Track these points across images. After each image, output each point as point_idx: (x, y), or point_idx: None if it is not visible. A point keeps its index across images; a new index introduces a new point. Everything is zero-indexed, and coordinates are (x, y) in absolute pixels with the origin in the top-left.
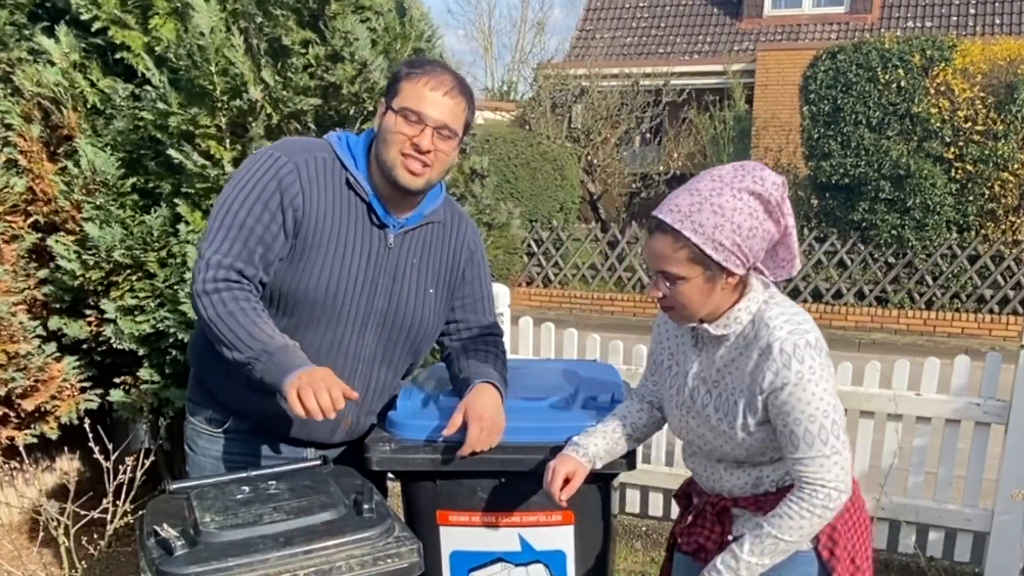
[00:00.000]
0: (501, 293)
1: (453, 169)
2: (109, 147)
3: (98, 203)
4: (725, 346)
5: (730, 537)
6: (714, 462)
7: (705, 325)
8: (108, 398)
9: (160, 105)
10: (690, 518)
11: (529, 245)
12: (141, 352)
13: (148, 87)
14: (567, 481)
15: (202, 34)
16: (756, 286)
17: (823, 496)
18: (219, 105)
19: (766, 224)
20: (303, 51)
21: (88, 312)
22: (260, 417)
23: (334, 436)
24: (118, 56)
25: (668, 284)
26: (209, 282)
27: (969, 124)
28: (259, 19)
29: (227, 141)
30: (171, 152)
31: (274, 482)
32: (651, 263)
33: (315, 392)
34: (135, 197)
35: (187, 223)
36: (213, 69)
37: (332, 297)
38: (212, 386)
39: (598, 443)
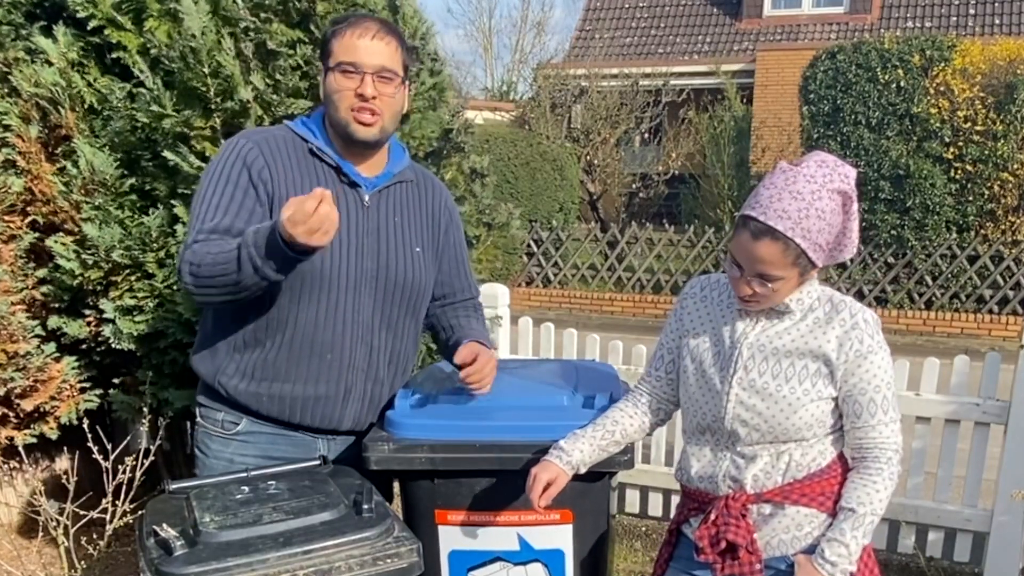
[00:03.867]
0: (501, 293)
1: (452, 168)
2: (107, 147)
3: (97, 203)
4: (790, 318)
5: (757, 535)
6: (741, 447)
7: (785, 300)
8: (108, 398)
9: (154, 107)
10: (712, 516)
11: (529, 245)
12: (140, 352)
13: (143, 89)
14: (549, 486)
15: (193, 36)
16: (815, 275)
17: (896, 460)
18: (213, 106)
19: (842, 217)
20: (291, 52)
21: (87, 312)
22: (274, 404)
23: (345, 416)
24: (115, 56)
25: (764, 285)
26: (181, 255)
27: (969, 124)
28: (244, 23)
29: (221, 142)
30: (167, 154)
31: (273, 482)
32: (750, 266)
33: (307, 219)
34: (133, 197)
35: (183, 224)
36: (206, 71)
37: (320, 263)
38: (223, 385)
39: (583, 449)
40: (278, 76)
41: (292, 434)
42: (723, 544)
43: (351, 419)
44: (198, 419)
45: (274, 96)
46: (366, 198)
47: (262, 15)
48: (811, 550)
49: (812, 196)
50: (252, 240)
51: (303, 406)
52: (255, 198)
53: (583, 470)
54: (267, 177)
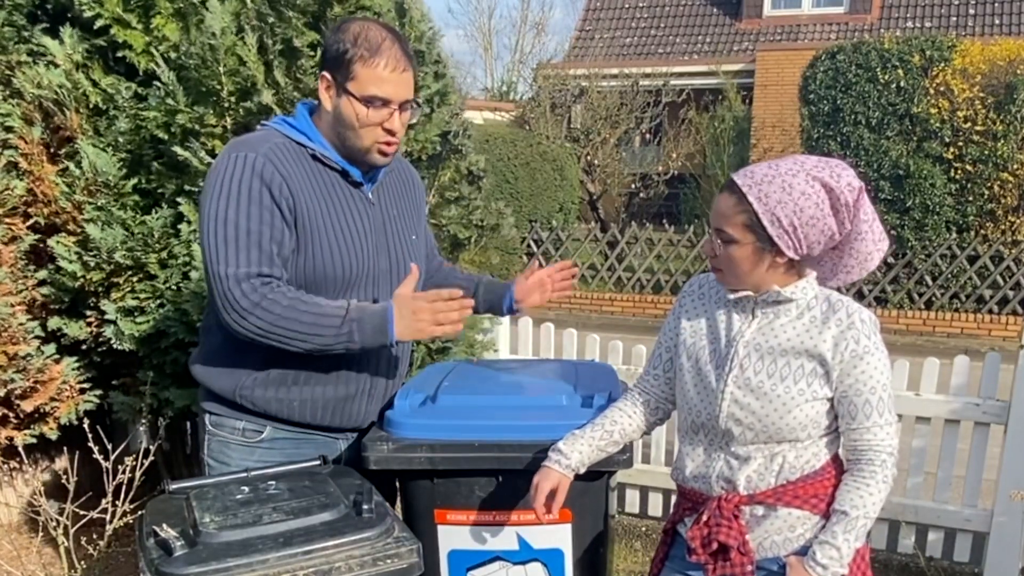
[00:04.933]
0: None
1: (450, 170)
2: (111, 148)
3: (99, 204)
4: (787, 316)
5: (749, 536)
6: (735, 447)
7: (776, 288)
8: (108, 399)
9: (169, 102)
10: (705, 517)
11: (528, 245)
12: (141, 353)
13: (157, 83)
14: (553, 494)
15: (214, 35)
16: (812, 275)
17: (891, 463)
18: (227, 106)
19: (829, 220)
20: (312, 53)
21: (88, 313)
22: (306, 409)
23: (369, 413)
24: (120, 55)
25: (721, 244)
26: (248, 295)
27: (968, 124)
28: (271, 19)
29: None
30: (177, 150)
31: (273, 482)
32: (712, 219)
33: (435, 317)
34: (136, 198)
35: (189, 223)
36: (222, 70)
37: (344, 270)
38: (245, 397)
39: (582, 450)
40: (299, 75)
41: (315, 437)
42: (715, 545)
43: (374, 416)
44: (209, 427)
45: (295, 94)
46: (369, 195)
47: (291, 13)
48: (803, 552)
49: (788, 173)
50: (357, 326)
51: (334, 407)
52: (281, 217)
53: (583, 470)
54: (287, 193)
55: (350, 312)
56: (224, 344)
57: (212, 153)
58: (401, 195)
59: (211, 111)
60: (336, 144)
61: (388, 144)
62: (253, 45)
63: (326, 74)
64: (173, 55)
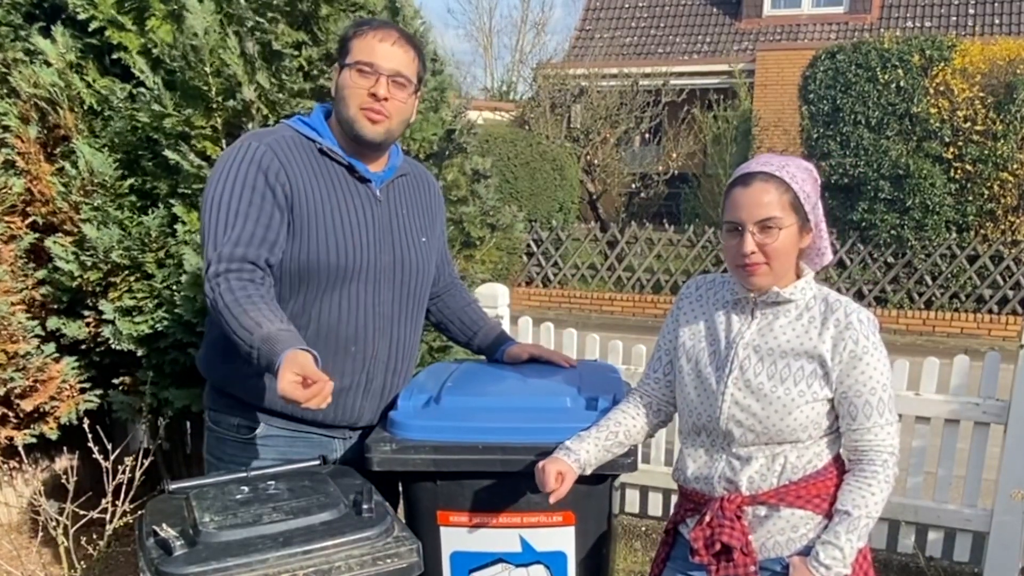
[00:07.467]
0: (501, 293)
1: (454, 169)
2: (107, 148)
3: (96, 204)
4: (786, 317)
5: (752, 537)
6: (736, 448)
7: (775, 288)
8: (108, 398)
9: (155, 107)
10: (707, 518)
11: (528, 245)
12: (140, 353)
13: (143, 89)
14: (559, 478)
15: (196, 35)
16: (810, 275)
17: (892, 463)
18: (214, 106)
19: (816, 194)
20: (296, 53)
21: (86, 313)
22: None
23: (365, 409)
24: (115, 56)
25: (768, 233)
26: (212, 278)
27: (968, 124)
28: (250, 23)
29: (223, 142)
30: (167, 153)
31: (273, 482)
32: (749, 214)
33: (302, 389)
34: (132, 198)
35: (184, 223)
36: (208, 70)
37: (340, 259)
38: (239, 388)
39: (589, 450)
40: (283, 76)
41: (310, 435)
42: (718, 546)
43: (370, 412)
44: (209, 424)
45: (279, 95)
46: (377, 192)
47: (269, 15)
48: (806, 552)
49: (784, 158)
50: (258, 352)
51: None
52: (272, 201)
53: (589, 471)
54: (284, 179)
55: (259, 336)
56: (221, 335)
57: (202, 155)
58: (415, 198)
59: (199, 112)
60: (341, 137)
61: (373, 111)
62: (235, 47)
63: (336, 65)
64: (167, 57)
